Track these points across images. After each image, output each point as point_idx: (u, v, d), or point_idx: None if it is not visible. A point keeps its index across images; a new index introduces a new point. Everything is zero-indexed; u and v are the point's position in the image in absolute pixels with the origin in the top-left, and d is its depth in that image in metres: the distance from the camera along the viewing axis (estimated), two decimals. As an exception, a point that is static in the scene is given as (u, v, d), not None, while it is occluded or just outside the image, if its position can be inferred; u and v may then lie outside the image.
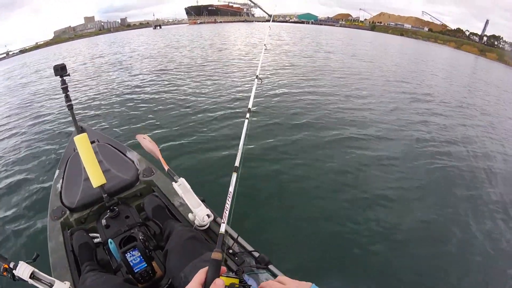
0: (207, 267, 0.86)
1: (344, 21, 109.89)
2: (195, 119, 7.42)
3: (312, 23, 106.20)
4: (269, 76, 11.02)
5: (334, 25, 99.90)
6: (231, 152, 5.40)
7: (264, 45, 3.52)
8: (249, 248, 2.00)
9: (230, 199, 1.23)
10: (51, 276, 1.70)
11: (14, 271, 1.61)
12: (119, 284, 1.64)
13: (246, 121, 1.92)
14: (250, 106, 2.07)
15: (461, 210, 4.52)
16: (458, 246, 3.85)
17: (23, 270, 1.61)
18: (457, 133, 7.57)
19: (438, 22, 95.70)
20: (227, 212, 1.19)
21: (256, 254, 1.92)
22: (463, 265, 3.60)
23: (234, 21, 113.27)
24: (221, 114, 7.46)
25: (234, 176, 1.35)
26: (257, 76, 2.53)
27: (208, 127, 6.76)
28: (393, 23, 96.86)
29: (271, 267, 1.82)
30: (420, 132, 7.12)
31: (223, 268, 0.88)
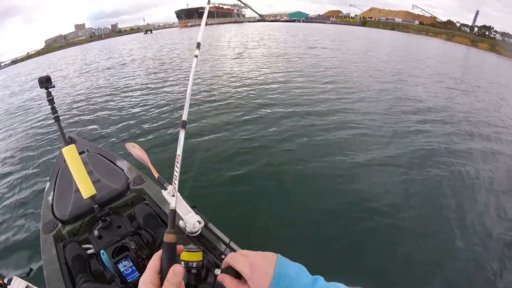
0: (159, 252, 0.74)
1: (335, 18, 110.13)
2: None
3: (303, 21, 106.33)
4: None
5: (325, 22, 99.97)
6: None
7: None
8: (221, 235, 2.04)
9: (178, 164, 0.91)
10: None
11: (8, 287, 1.61)
12: None
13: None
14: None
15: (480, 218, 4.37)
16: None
17: (17, 285, 1.60)
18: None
19: (429, 15, 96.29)
20: (177, 176, 0.89)
21: (227, 240, 1.96)
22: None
23: (225, 23, 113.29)
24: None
25: (182, 133, 0.97)
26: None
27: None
28: (384, 18, 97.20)
29: (232, 244, 1.83)
30: (423, 135, 7.01)
31: (180, 247, 0.78)
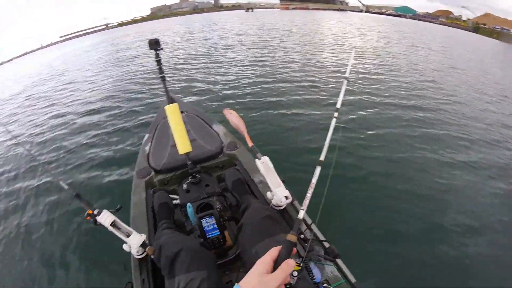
0: (280, 246, 0.90)
1: (445, 18, 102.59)
2: (283, 105, 7.32)
3: (409, 17, 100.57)
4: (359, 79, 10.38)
5: (433, 22, 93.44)
6: (317, 145, 5.25)
7: (354, 47, 3.40)
8: (321, 237, 1.96)
9: (311, 190, 1.29)
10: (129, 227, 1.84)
11: (97, 217, 1.75)
12: (196, 245, 1.67)
13: (334, 119, 1.89)
14: (338, 105, 2.04)
15: None
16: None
17: (106, 218, 1.75)
18: None
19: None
20: (307, 201, 1.23)
21: (327, 245, 1.88)
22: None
23: (327, 9, 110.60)
24: (309, 108, 7.23)
25: (318, 169, 1.41)
26: (346, 77, 2.48)
27: (295, 117, 6.57)
28: (499, 27, 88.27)
29: (338, 261, 1.78)
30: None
31: (294, 249, 0.92)
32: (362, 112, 6.92)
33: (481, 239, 3.66)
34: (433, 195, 4.37)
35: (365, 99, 7.81)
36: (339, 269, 1.75)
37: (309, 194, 1.27)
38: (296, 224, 1.03)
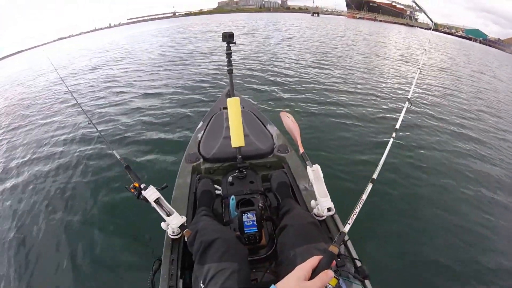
0: (321, 256, 0.93)
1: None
2: (339, 114, 7.18)
3: (479, 41, 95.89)
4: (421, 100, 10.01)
5: (504, 50, 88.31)
6: (368, 161, 5.17)
7: (419, 68, 3.30)
8: (354, 255, 1.91)
9: (360, 206, 1.34)
10: None
11: (142, 192, 1.81)
12: (232, 238, 1.68)
13: (391, 139, 1.87)
14: (397, 126, 2.02)
15: None
16: None
17: (151, 194, 1.80)
18: None
19: None
20: (355, 216, 1.28)
21: (358, 264, 1.83)
22: None
23: (395, 23, 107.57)
24: (367, 125, 7.11)
25: (369, 186, 1.46)
26: (408, 99, 2.43)
27: (350, 129, 6.43)
28: None
29: (366, 282, 1.72)
30: None
31: (334, 262, 0.93)
32: (419, 133, 6.71)
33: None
34: (478, 231, 4.14)
35: (426, 120, 7.54)
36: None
37: (357, 210, 1.30)
38: (340, 237, 1.07)
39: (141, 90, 8.87)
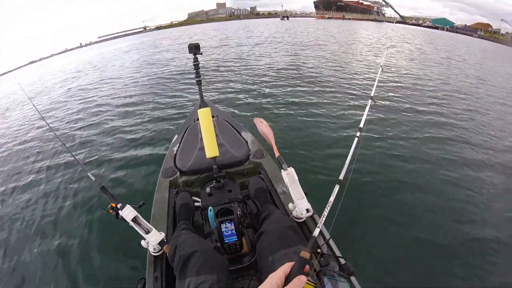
0: (293, 262, 0.92)
1: (483, 32, 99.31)
2: (310, 116, 7.24)
3: (447, 29, 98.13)
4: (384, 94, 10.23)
5: (471, 35, 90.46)
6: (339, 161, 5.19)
7: (381, 66, 3.36)
8: (337, 253, 1.91)
9: (328, 208, 1.40)
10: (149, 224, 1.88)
11: (119, 211, 1.79)
12: (210, 249, 1.67)
13: (356, 139, 1.89)
14: (361, 125, 2.07)
15: None
16: None
17: (128, 213, 1.79)
18: None
19: None
20: (323, 219, 1.33)
21: (342, 261, 1.83)
22: None
23: (363, 19, 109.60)
24: (339, 124, 7.17)
25: (336, 188, 1.51)
26: (371, 97, 2.47)
27: (325, 129, 6.51)
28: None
29: (352, 279, 1.73)
30: None
31: (307, 267, 0.93)
32: (384, 127, 6.85)
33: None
34: (455, 209, 4.28)
35: (390, 115, 7.67)
36: (352, 286, 1.71)
37: (325, 212, 1.33)
38: (311, 241, 1.08)
39: (115, 108, 8.81)
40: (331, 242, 1.96)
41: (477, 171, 5.31)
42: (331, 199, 1.35)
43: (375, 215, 4.03)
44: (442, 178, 4.98)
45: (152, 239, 1.79)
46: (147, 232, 1.80)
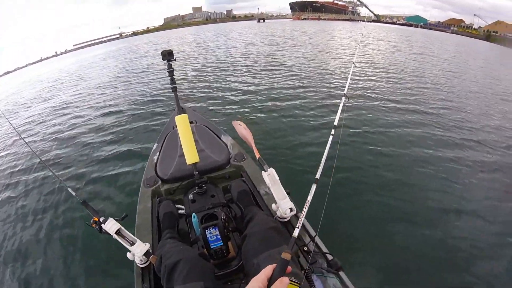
0: (275, 264, 0.91)
1: (456, 27, 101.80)
2: (286, 120, 7.21)
3: (421, 26, 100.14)
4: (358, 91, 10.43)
5: (445, 31, 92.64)
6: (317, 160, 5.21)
7: (353, 63, 3.41)
8: (324, 249, 1.94)
9: (306, 208, 1.33)
10: (134, 235, 1.86)
11: (102, 225, 1.78)
12: (194, 256, 1.67)
13: (331, 137, 1.91)
14: (335, 123, 2.09)
15: None
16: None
17: (111, 226, 1.77)
18: None
19: None
20: (302, 219, 1.25)
21: (330, 257, 1.86)
22: None
23: (339, 19, 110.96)
24: (313, 122, 7.21)
25: (314, 187, 1.46)
26: (344, 94, 2.50)
27: (299, 130, 6.57)
28: (511, 34, 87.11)
29: (341, 273, 1.76)
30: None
31: (289, 268, 0.92)
32: (361, 121, 7.08)
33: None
34: (434, 197, 4.46)
35: (367, 110, 7.92)
36: (342, 281, 1.73)
37: (304, 213, 1.30)
38: (291, 242, 1.05)
39: (92, 117, 8.62)
40: (318, 239, 1.98)
41: (454, 160, 5.55)
42: (309, 198, 1.35)
43: (358, 209, 4.10)
44: (420, 169, 5.16)
45: (138, 251, 1.77)
46: (132, 244, 1.79)
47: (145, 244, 1.81)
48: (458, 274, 3.22)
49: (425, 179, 4.89)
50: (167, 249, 1.74)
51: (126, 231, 1.83)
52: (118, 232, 1.78)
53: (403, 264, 3.29)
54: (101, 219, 1.80)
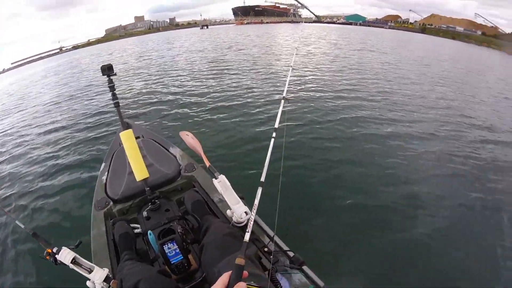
0: (231, 271, 0.95)
1: (393, 23, 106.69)
2: (233, 125, 7.34)
3: (360, 24, 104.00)
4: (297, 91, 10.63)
5: (383, 27, 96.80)
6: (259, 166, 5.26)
7: (290, 66, 3.52)
8: (285, 247, 1.99)
9: (254, 211, 1.37)
10: (91, 262, 1.79)
11: (56, 256, 1.70)
12: (153, 274, 1.66)
13: (272, 140, 1.96)
14: (276, 126, 2.15)
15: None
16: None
17: (65, 255, 1.69)
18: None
19: (492, 25, 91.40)
20: (252, 223, 1.28)
21: (291, 254, 1.91)
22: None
23: (281, 22, 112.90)
24: (258, 125, 7.28)
25: (259, 190, 1.51)
26: (284, 97, 2.57)
27: (246, 135, 6.67)
28: (445, 26, 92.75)
29: (305, 268, 1.81)
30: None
31: (245, 273, 0.95)
32: (303, 118, 7.41)
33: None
34: (381, 175, 4.94)
35: (306, 110, 8.15)
36: (307, 275, 1.78)
37: (253, 216, 1.33)
38: (243, 247, 1.08)
39: (34, 139, 8.08)
40: (277, 238, 2.03)
41: (395, 140, 6.24)
42: (256, 202, 1.40)
43: (311, 203, 4.26)
44: (364, 151, 5.70)
45: (97, 278, 1.71)
46: (90, 271, 1.72)
47: (104, 270, 1.74)
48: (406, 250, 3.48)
49: (370, 160, 5.40)
50: (126, 271, 1.72)
51: (82, 258, 1.75)
52: (74, 261, 1.71)
53: (360, 249, 3.49)
54: (54, 250, 1.72)
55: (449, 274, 3.26)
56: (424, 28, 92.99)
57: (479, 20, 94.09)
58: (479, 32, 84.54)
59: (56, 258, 1.70)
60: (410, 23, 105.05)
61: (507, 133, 7.50)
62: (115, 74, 2.42)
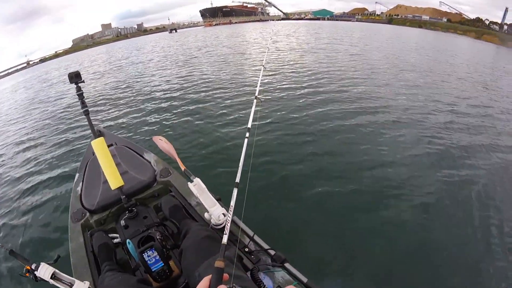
0: (211, 275, 0.96)
1: (361, 15, 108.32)
2: (207, 126, 7.34)
3: (327, 19, 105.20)
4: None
5: (350, 20, 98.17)
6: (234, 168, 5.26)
7: (263, 65, 3.54)
8: (265, 246, 2.01)
9: (231, 212, 1.38)
10: (72, 276, 1.75)
11: (35, 272, 1.66)
12: (133, 284, 1.67)
13: (246, 140, 1.97)
14: (249, 125, 2.16)
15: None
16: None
17: (45, 271, 1.65)
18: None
19: (456, 12, 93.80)
20: (229, 225, 1.29)
21: (272, 253, 1.93)
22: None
23: (250, 21, 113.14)
24: (229, 129, 7.20)
25: (235, 191, 1.52)
26: (256, 96, 2.59)
27: (219, 137, 6.67)
28: (411, 15, 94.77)
29: (287, 265, 1.83)
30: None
31: (225, 275, 0.96)
32: (275, 116, 7.50)
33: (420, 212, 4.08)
34: (356, 162, 5.12)
35: (278, 107, 8.23)
36: (289, 272, 1.79)
37: (229, 218, 1.34)
38: (222, 250, 1.08)
39: (8, 155, 7.84)
40: (257, 238, 2.04)
41: (367, 128, 6.51)
42: (232, 203, 1.41)
43: (288, 199, 4.25)
44: (339, 141, 5.88)
45: None
46: (71, 285, 1.68)
47: (85, 283, 1.71)
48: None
49: (344, 150, 5.60)
50: (107, 282, 1.71)
51: (62, 273, 1.71)
52: (53, 276, 1.67)
53: (342, 240, 3.54)
54: (33, 266, 1.68)
55: (426, 249, 3.43)
56: (391, 19, 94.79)
57: (444, 8, 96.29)
58: (445, 20, 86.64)
59: (35, 274, 1.66)
60: (377, 15, 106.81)
61: (470, 113, 8.05)
62: (83, 81, 2.37)
